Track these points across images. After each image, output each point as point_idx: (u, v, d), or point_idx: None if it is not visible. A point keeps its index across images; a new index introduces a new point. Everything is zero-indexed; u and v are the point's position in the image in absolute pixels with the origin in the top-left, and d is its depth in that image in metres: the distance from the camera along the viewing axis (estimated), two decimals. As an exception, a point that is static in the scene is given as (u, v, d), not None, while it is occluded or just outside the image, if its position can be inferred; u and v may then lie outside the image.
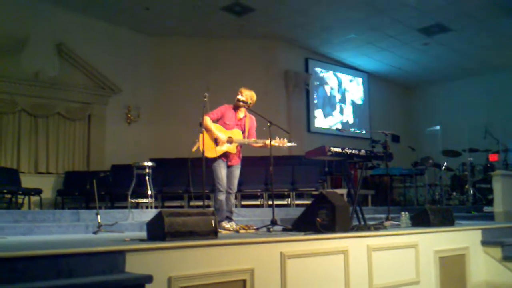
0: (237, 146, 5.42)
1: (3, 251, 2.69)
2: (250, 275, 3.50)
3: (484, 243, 5.48)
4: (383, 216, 6.51)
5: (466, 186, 10.51)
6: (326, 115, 13.91)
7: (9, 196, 8.44)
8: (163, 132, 11.59)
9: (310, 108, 13.41)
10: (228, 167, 5.42)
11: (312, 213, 4.51)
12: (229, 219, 5.39)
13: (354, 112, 14.71)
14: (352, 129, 14.45)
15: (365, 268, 4.29)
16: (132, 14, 10.85)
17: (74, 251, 2.84)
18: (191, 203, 8.70)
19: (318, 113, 13.66)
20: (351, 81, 14.71)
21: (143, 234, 4.04)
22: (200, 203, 5.06)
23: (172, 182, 9.18)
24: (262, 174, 9.11)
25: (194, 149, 5.32)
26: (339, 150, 5.19)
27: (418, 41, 12.31)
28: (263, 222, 5.60)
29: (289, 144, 5.36)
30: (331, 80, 14.17)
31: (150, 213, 6.06)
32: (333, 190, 7.92)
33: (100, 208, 6.78)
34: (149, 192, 6.93)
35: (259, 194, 9.12)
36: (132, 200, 6.95)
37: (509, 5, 10.27)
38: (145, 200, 7.02)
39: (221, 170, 5.34)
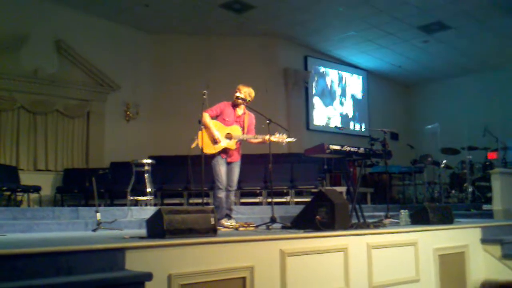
0: (236, 142, 5.41)
1: (2, 249, 2.68)
2: (249, 273, 3.50)
3: (484, 241, 5.48)
4: (382, 214, 6.50)
5: (465, 184, 10.51)
6: (326, 105, 13.87)
7: (8, 193, 8.41)
8: (162, 130, 11.58)
9: (309, 106, 13.39)
10: (228, 164, 5.42)
11: (311, 210, 4.51)
12: (229, 216, 5.39)
13: (354, 105, 14.70)
14: (351, 123, 14.46)
15: (364, 266, 4.29)
16: (131, 12, 10.82)
17: (74, 248, 2.84)
18: (191, 201, 8.70)
19: (316, 101, 13.58)
20: (351, 74, 14.70)
21: (143, 231, 4.04)
22: (200, 200, 5.06)
23: (172, 179, 9.17)
24: (261, 172, 9.11)
25: (193, 145, 5.32)
26: (338, 147, 5.19)
27: (417, 39, 12.30)
28: (263, 219, 5.60)
29: (289, 139, 5.34)
30: (331, 74, 14.15)
31: (150, 211, 6.05)
32: (332, 187, 7.92)
33: (99, 205, 6.76)
34: (148, 190, 6.94)
35: (258, 191, 9.10)
36: (132, 198, 6.95)
37: (508, 4, 10.28)
38: (144, 198, 7.00)
39: (221, 168, 5.33)
